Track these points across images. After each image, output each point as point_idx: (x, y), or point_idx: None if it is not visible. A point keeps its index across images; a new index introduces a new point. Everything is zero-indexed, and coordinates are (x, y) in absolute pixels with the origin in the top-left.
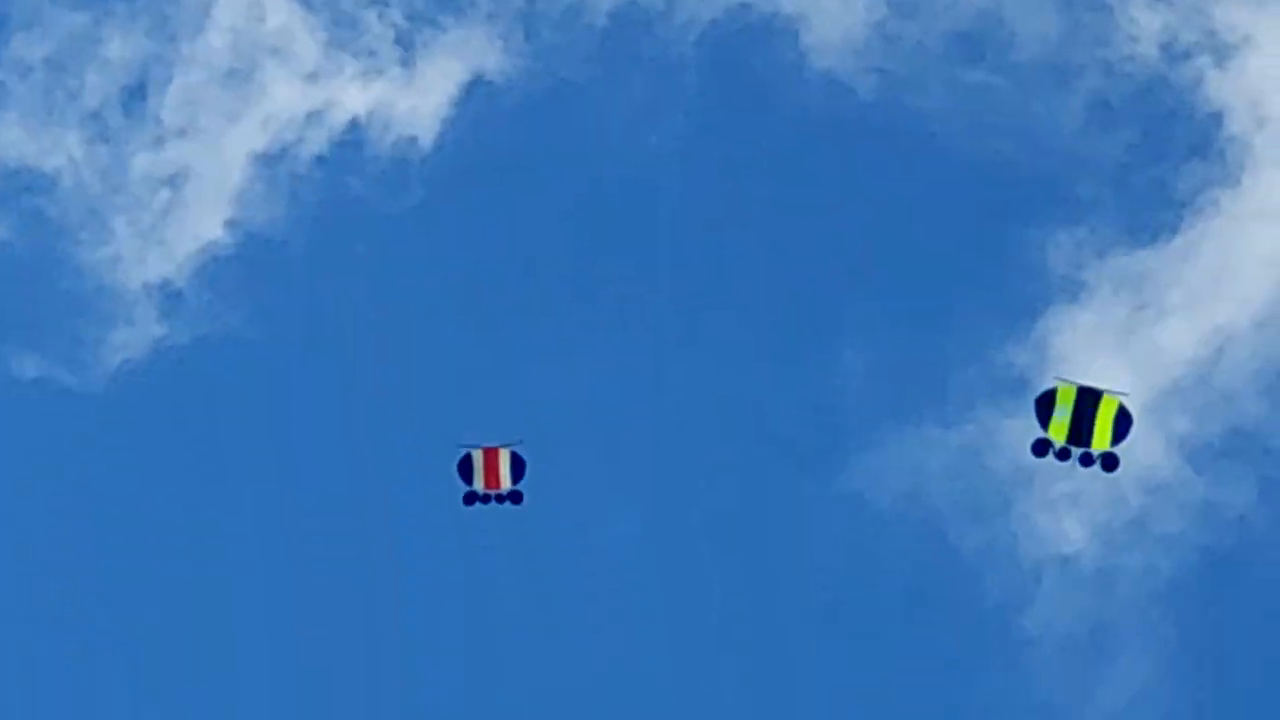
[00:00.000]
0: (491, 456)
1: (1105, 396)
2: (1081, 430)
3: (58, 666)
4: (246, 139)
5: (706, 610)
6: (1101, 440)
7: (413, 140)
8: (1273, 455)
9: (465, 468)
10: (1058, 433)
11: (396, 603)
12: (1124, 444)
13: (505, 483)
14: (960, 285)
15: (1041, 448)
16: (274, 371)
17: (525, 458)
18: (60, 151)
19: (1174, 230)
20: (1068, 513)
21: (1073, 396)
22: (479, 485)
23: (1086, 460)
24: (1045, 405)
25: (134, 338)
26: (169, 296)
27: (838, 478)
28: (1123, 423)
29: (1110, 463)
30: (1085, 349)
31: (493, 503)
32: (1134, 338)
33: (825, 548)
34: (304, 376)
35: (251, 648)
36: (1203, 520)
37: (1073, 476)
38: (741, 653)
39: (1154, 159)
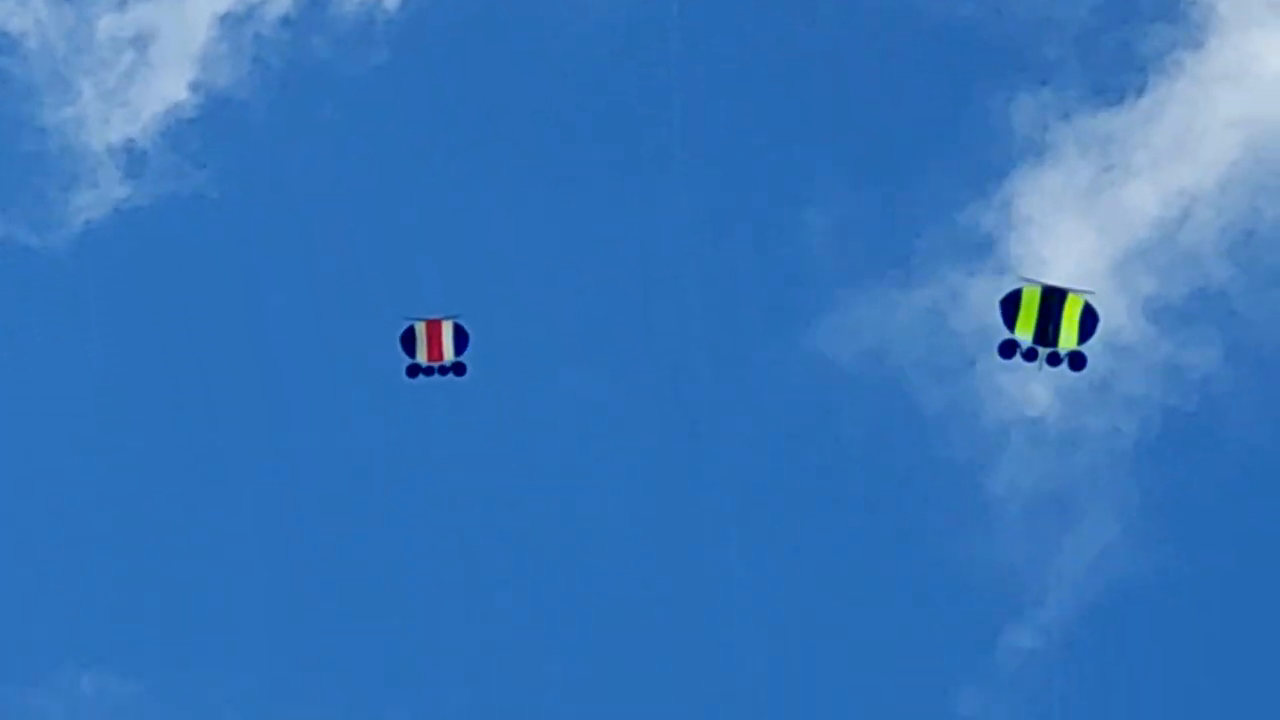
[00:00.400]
0: (434, 329)
1: (1070, 295)
2: (1048, 330)
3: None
4: (211, 0)
5: (668, 477)
6: (1068, 339)
7: (378, 1)
8: (1237, 317)
9: (408, 340)
10: (1024, 333)
11: (340, 471)
12: (1090, 342)
13: (448, 355)
14: (926, 146)
15: (1008, 349)
16: (235, 233)
17: (469, 329)
18: (25, 12)
19: (1139, 92)
20: (1032, 374)
21: (1038, 297)
22: (421, 358)
23: (1054, 360)
24: (1010, 306)
25: (97, 199)
26: (133, 158)
27: (802, 338)
28: (1089, 321)
29: (1078, 362)
30: (1050, 210)
31: (436, 375)
32: (1099, 199)
33: (789, 408)
34: (265, 239)
35: (197, 502)
36: (1167, 382)
37: None
38: (704, 517)
39: (1119, 21)
